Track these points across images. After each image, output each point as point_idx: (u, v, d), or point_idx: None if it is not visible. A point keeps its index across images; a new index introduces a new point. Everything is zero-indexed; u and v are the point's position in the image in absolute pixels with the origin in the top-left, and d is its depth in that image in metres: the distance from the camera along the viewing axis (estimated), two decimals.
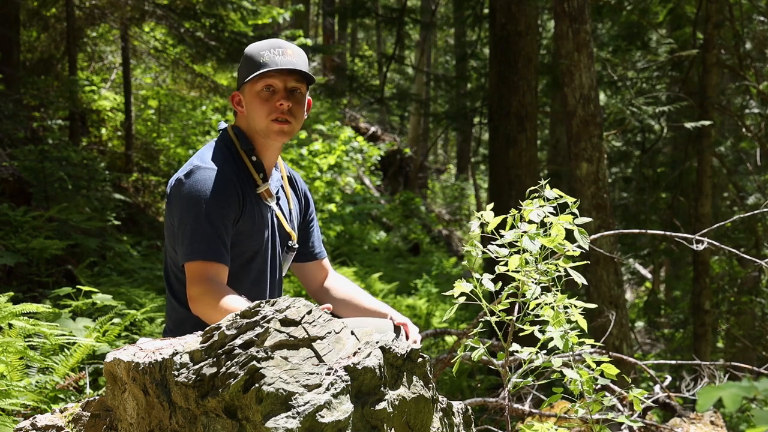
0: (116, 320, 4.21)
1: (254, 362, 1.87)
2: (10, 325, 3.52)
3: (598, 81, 6.85)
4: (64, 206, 6.72)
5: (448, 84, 12.64)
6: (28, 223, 6.18)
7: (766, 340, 10.19)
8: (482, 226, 2.25)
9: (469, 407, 2.39)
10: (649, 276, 13.54)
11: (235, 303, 2.28)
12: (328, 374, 1.90)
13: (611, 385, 3.95)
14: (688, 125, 8.26)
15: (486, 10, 9.93)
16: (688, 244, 3.55)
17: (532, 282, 2.19)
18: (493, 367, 2.39)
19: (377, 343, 2.03)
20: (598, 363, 2.28)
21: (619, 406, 3.82)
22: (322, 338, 1.96)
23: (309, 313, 1.99)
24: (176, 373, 1.95)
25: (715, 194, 11.23)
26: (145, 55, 10.28)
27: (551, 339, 2.17)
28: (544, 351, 2.25)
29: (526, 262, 2.19)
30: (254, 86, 2.51)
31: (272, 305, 1.98)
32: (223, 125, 2.64)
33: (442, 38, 23.39)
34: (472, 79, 11.87)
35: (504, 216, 2.23)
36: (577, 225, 2.19)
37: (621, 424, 3.85)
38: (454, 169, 22.26)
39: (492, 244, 2.23)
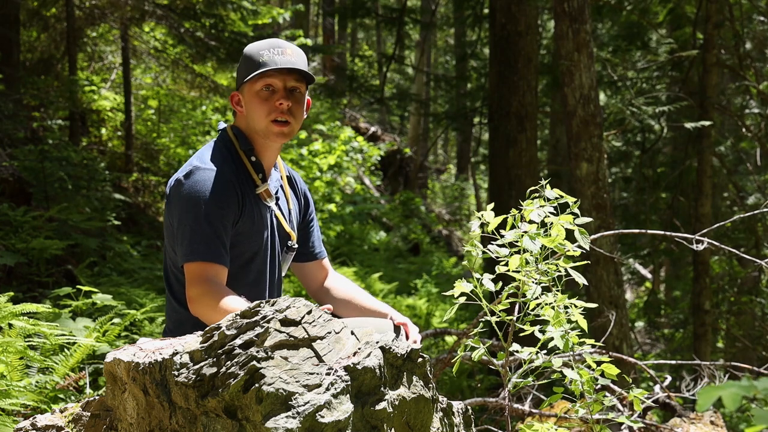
0: (116, 320, 4.21)
1: (254, 362, 1.86)
2: (10, 325, 3.52)
3: (598, 81, 6.85)
4: (64, 206, 6.72)
5: (448, 84, 12.64)
6: (28, 223, 6.18)
7: (766, 340, 10.19)
8: (482, 226, 2.25)
9: (469, 407, 2.39)
10: (649, 276, 13.54)
11: (235, 303, 2.28)
12: (328, 374, 1.90)
13: (611, 385, 3.95)
14: (688, 125, 8.26)
15: (486, 10, 9.92)
16: (688, 244, 3.55)
17: (533, 282, 2.19)
18: (493, 367, 2.39)
19: (377, 343, 2.02)
20: (599, 363, 2.28)
21: (619, 406, 3.82)
22: (322, 338, 1.96)
23: (309, 313, 1.99)
24: (176, 373, 1.95)
25: (715, 194, 11.23)
26: (145, 55, 10.27)
27: (551, 339, 2.17)
28: (545, 351, 2.25)
29: (527, 262, 2.19)
30: (254, 86, 2.51)
31: (272, 305, 1.98)
32: (222, 125, 2.64)
33: (442, 38, 23.39)
34: (472, 79, 11.87)
35: (504, 216, 2.23)
36: (578, 225, 2.19)
37: (621, 424, 3.85)
38: (454, 169, 22.25)
39: (492, 244, 2.23)
